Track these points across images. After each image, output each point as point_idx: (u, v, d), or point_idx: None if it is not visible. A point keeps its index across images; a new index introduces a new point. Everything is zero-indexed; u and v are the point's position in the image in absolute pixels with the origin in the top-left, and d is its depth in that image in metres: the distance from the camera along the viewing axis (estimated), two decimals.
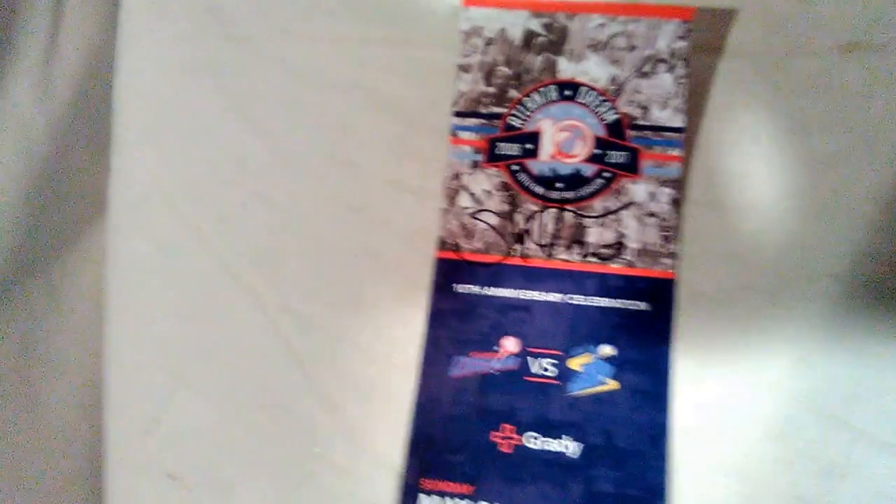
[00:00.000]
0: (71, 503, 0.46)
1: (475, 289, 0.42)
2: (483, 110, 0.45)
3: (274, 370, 0.43)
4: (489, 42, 0.45)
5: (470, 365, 0.41)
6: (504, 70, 0.45)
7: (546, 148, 0.44)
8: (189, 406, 0.44)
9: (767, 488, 0.38)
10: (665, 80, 0.43)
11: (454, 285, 0.43)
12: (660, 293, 0.41)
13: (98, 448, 0.44)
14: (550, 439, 0.39)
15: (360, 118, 0.47)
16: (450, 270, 0.43)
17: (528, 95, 0.44)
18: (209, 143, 0.48)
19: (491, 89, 0.45)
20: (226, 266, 0.45)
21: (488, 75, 0.45)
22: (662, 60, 0.43)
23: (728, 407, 0.40)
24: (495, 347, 0.41)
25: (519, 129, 0.44)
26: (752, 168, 0.43)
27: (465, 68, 0.45)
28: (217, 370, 0.44)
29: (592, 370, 0.40)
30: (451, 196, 0.44)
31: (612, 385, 0.40)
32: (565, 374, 0.40)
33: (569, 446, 0.39)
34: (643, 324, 0.41)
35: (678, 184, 0.42)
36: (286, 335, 0.44)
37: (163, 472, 0.42)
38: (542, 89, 0.44)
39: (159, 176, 0.48)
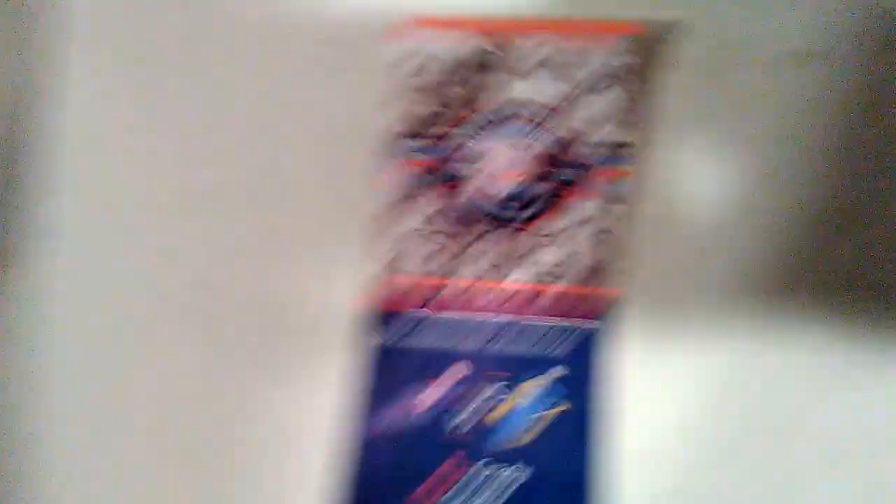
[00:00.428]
0: None
1: (392, 340, 0.40)
2: (424, 132, 0.43)
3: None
4: (437, 61, 0.44)
5: (384, 422, 0.39)
6: (451, 89, 0.44)
7: (494, 167, 0.42)
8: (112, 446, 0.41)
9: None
10: (613, 96, 0.42)
11: (371, 337, 0.41)
12: (609, 310, 0.39)
13: None
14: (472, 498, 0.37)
15: (293, 141, 0.46)
16: (368, 322, 0.41)
17: (475, 114, 0.43)
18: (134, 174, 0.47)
19: (437, 109, 0.44)
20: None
21: (435, 95, 0.44)
22: (610, 76, 0.42)
23: (678, 425, 0.38)
24: (414, 400, 0.39)
25: (465, 149, 0.43)
26: (701, 181, 0.42)
27: (410, 88, 0.44)
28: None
29: (515, 417, 0.38)
30: (387, 224, 0.42)
31: (563, 405, 0.38)
32: (484, 431, 0.38)
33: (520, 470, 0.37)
34: (592, 343, 0.39)
35: (627, 200, 0.41)
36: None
37: None
38: (489, 108, 0.43)
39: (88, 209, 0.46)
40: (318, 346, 0.42)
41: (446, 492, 0.37)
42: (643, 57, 0.42)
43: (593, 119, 0.42)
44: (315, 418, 0.40)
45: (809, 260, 0.40)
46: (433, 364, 0.39)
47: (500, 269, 0.41)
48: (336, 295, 0.42)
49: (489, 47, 0.44)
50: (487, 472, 0.37)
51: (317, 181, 0.45)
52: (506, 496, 0.37)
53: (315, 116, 0.46)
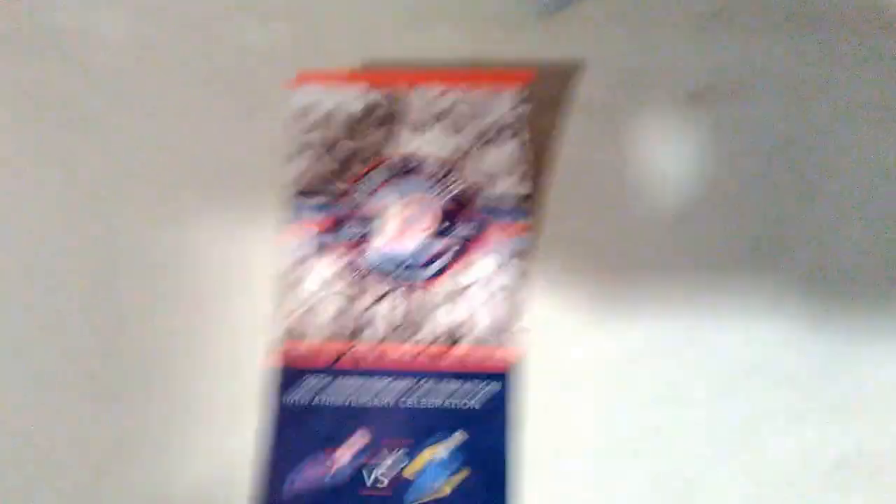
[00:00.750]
0: None
1: (305, 398, 0.38)
2: (325, 189, 0.42)
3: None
4: (328, 118, 0.43)
5: (301, 481, 0.37)
6: (345, 145, 0.42)
7: (392, 226, 0.41)
8: None
9: None
10: (509, 148, 0.41)
11: (283, 396, 0.39)
12: (507, 378, 0.38)
13: None
14: None
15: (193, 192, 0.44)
16: (293, 368, 0.39)
17: (370, 171, 0.42)
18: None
19: (332, 167, 0.42)
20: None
21: (329, 152, 0.42)
22: (505, 127, 0.42)
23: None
24: (325, 461, 0.37)
25: (362, 206, 0.41)
26: (604, 228, 0.41)
27: (304, 146, 0.43)
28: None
29: (428, 474, 0.36)
30: (293, 285, 0.41)
31: (463, 473, 0.36)
32: (398, 485, 0.36)
33: None
34: (493, 406, 0.37)
35: (526, 254, 0.40)
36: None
37: None
38: (384, 164, 0.42)
39: None
40: (229, 405, 0.40)
41: None
42: (543, 99, 0.42)
43: (491, 172, 0.41)
44: (229, 476, 0.38)
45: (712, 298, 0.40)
46: (337, 427, 0.38)
47: (403, 329, 0.39)
48: (244, 354, 0.40)
49: (385, 101, 0.43)
50: None
51: (221, 236, 0.43)
52: None
53: (217, 168, 0.44)
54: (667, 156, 0.41)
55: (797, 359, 0.38)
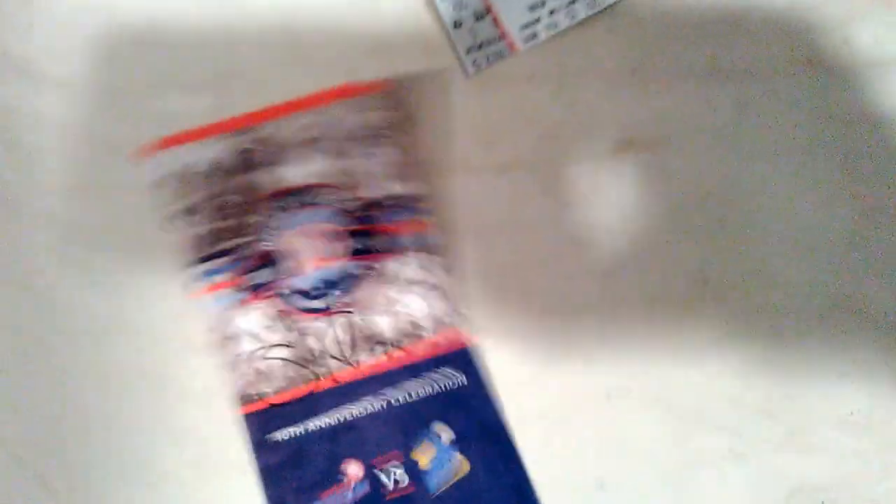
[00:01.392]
0: None
1: (294, 430, 0.40)
2: (226, 247, 0.42)
3: None
4: (206, 176, 0.42)
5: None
6: (231, 199, 0.42)
7: (305, 261, 0.42)
8: None
9: None
10: (390, 153, 0.43)
11: (271, 435, 0.40)
12: (468, 360, 0.41)
13: None
14: None
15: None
16: (261, 422, 0.40)
17: (266, 216, 0.42)
18: None
19: (226, 223, 0.42)
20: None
21: (218, 210, 0.42)
22: (380, 135, 0.43)
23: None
24: (340, 478, 0.39)
25: (270, 251, 0.42)
26: (539, 277, 0.43)
27: (189, 211, 0.42)
28: None
29: (441, 460, 0.40)
30: (229, 346, 0.41)
31: (465, 466, 0.40)
32: (418, 476, 0.40)
33: None
34: (465, 393, 0.41)
35: (442, 247, 0.43)
36: None
37: None
38: (277, 205, 0.42)
39: None
40: (211, 466, 0.41)
41: None
42: (472, 165, 0.44)
43: (381, 180, 0.43)
44: None
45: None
46: (337, 447, 0.40)
47: (354, 352, 0.41)
48: (209, 413, 0.41)
49: (247, 144, 0.43)
50: None
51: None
52: None
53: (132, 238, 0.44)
54: (597, 205, 0.43)
55: (739, 397, 0.41)
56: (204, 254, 0.42)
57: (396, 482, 0.39)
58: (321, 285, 0.42)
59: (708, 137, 0.43)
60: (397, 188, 0.43)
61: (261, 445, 0.40)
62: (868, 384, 0.41)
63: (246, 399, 0.40)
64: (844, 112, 0.43)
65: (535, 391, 0.42)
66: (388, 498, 0.39)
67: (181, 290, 0.42)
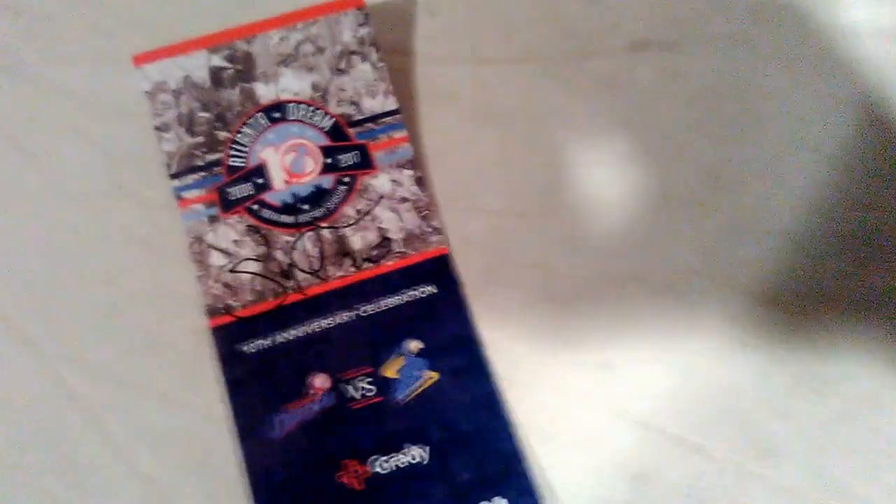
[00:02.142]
0: None
1: (262, 343, 0.40)
2: (199, 163, 0.42)
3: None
4: (178, 93, 0.42)
5: (289, 419, 0.38)
6: (204, 115, 0.42)
7: (277, 176, 0.42)
8: None
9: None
10: (363, 70, 0.43)
11: (240, 347, 0.40)
12: (440, 271, 0.41)
13: None
14: (397, 454, 0.38)
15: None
16: (229, 335, 0.40)
17: (239, 132, 0.42)
18: None
19: (199, 139, 0.42)
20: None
21: (190, 126, 0.42)
22: (354, 52, 0.43)
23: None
24: (307, 390, 0.39)
25: (242, 167, 0.42)
26: (551, 172, 0.43)
27: (162, 127, 0.42)
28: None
29: (408, 371, 0.39)
30: (201, 260, 0.41)
31: (432, 376, 0.39)
32: (385, 387, 0.39)
33: (416, 454, 0.38)
34: (436, 306, 0.40)
35: (414, 163, 0.42)
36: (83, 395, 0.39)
37: None
38: (250, 121, 0.42)
39: None
40: (180, 374, 0.40)
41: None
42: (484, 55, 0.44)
43: (354, 97, 0.42)
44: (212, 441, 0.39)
45: (666, 245, 0.42)
46: (303, 360, 0.39)
47: (324, 268, 0.41)
48: (176, 324, 0.41)
49: (229, 61, 0.42)
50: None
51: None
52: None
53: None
54: (608, 107, 0.43)
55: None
56: (177, 173, 0.42)
57: (364, 393, 0.39)
58: (293, 200, 0.41)
59: (723, 41, 0.44)
60: (371, 104, 0.42)
61: (228, 357, 0.39)
62: None
63: (214, 312, 0.40)
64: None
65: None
66: (354, 408, 0.38)
67: (155, 204, 0.42)
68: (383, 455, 0.38)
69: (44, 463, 0.39)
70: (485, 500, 0.37)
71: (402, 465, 0.38)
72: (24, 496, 0.38)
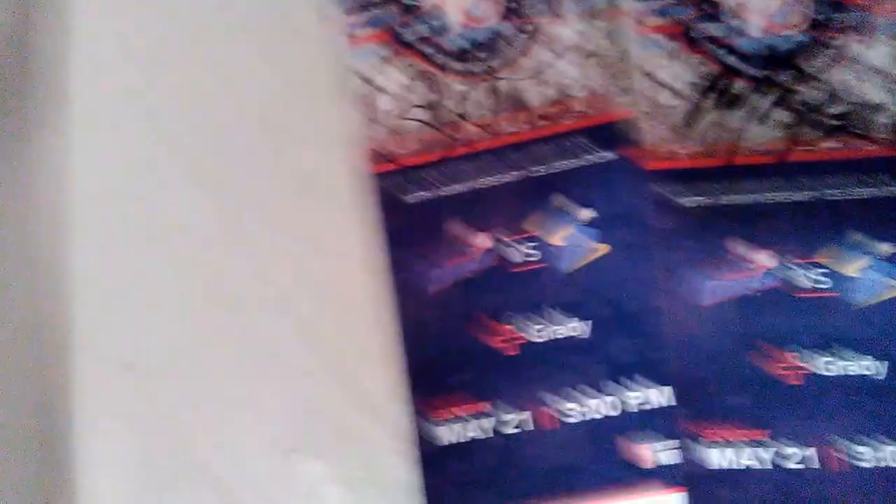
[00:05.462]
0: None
1: (425, 194, 0.38)
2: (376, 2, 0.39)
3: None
4: None
5: (445, 275, 0.37)
6: None
7: (453, 18, 0.39)
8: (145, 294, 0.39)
9: None
10: None
11: (401, 196, 0.38)
12: (617, 134, 0.37)
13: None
14: (555, 325, 0.36)
15: None
16: (392, 182, 0.38)
17: None
18: None
19: None
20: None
21: None
22: None
23: None
24: (466, 248, 0.37)
25: (418, 6, 0.39)
26: None
27: None
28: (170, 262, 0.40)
29: (578, 239, 0.36)
30: (368, 102, 0.39)
31: (601, 248, 0.36)
32: (549, 253, 0.36)
33: (576, 327, 0.36)
34: (611, 171, 0.37)
35: (611, 12, 0.38)
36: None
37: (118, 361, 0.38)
38: None
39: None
40: (335, 222, 0.39)
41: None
42: None
43: None
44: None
45: None
46: (467, 215, 0.37)
47: (503, 114, 0.38)
48: (338, 167, 0.39)
49: None
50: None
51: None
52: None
53: None
54: None
55: None
56: (353, 8, 0.39)
57: (526, 257, 0.36)
58: (470, 45, 0.38)
59: None
60: None
61: (388, 206, 0.38)
62: None
63: (378, 158, 0.38)
64: None
65: None
66: (513, 271, 0.36)
67: (329, 38, 0.40)
68: (541, 323, 0.36)
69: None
70: (643, 386, 0.35)
71: (559, 337, 0.36)
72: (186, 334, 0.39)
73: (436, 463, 0.35)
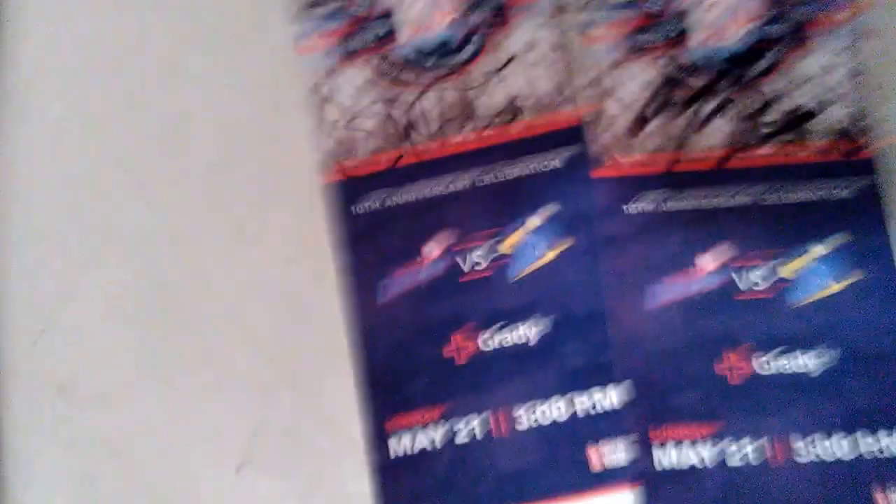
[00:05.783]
0: None
1: (373, 204, 0.38)
2: (322, 5, 0.39)
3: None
4: None
5: (395, 285, 0.37)
6: None
7: (404, 24, 0.39)
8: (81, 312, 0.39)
9: None
10: None
11: (351, 206, 0.38)
12: (568, 140, 0.37)
13: None
14: (504, 332, 0.36)
15: None
16: (341, 192, 0.38)
17: None
18: None
19: None
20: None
21: None
22: None
23: None
24: (416, 256, 0.37)
25: (366, 14, 0.39)
26: None
27: None
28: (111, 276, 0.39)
29: (526, 247, 0.37)
30: (317, 112, 0.38)
31: (549, 255, 0.36)
32: (498, 261, 0.37)
33: (524, 334, 0.36)
34: (561, 177, 0.37)
35: (557, 21, 0.38)
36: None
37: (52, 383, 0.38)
38: None
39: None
40: (292, 228, 0.39)
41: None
42: None
43: None
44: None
45: None
46: (418, 225, 0.37)
47: (456, 118, 0.38)
48: (295, 175, 0.39)
49: None
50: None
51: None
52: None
53: None
54: None
55: None
56: (309, 5, 0.39)
57: (474, 265, 0.37)
58: (419, 53, 0.38)
59: None
60: None
61: (338, 216, 0.38)
62: None
63: (327, 167, 0.38)
64: None
65: None
66: (461, 280, 0.36)
67: (287, 43, 0.39)
68: (490, 331, 0.36)
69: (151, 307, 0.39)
70: (592, 389, 0.35)
71: (508, 344, 0.36)
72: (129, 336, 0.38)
73: (390, 474, 0.35)
